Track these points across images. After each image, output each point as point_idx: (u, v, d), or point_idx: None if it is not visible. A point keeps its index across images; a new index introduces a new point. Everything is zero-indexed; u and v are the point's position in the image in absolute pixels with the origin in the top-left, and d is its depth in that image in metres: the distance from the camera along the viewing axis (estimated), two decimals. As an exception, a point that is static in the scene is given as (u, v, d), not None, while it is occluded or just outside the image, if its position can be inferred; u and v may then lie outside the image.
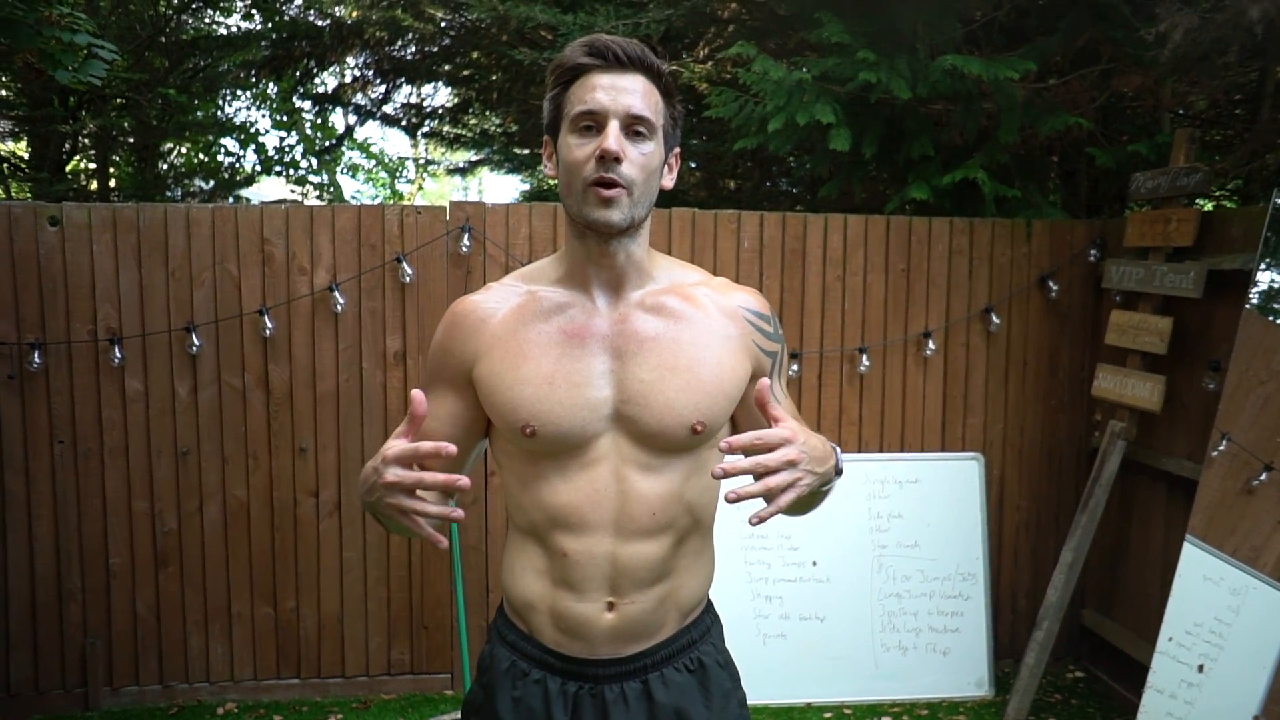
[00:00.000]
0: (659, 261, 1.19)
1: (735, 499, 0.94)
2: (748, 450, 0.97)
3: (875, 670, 2.99)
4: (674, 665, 1.18)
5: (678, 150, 1.17)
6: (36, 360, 2.71)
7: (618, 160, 1.05)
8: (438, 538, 0.99)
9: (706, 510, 1.20)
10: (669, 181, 1.16)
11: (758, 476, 0.97)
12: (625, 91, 1.07)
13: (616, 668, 1.16)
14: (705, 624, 1.24)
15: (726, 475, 0.95)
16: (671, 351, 1.13)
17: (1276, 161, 3.27)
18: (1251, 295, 2.41)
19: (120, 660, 2.89)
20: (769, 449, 0.97)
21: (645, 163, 1.08)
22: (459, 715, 2.73)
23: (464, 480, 0.96)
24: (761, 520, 0.95)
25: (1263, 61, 3.22)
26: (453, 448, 0.95)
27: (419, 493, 1.01)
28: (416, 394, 0.99)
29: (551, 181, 1.18)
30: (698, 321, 1.15)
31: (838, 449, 1.14)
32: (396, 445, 0.99)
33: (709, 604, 1.27)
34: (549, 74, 1.13)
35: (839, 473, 1.12)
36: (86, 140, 5.43)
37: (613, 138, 1.05)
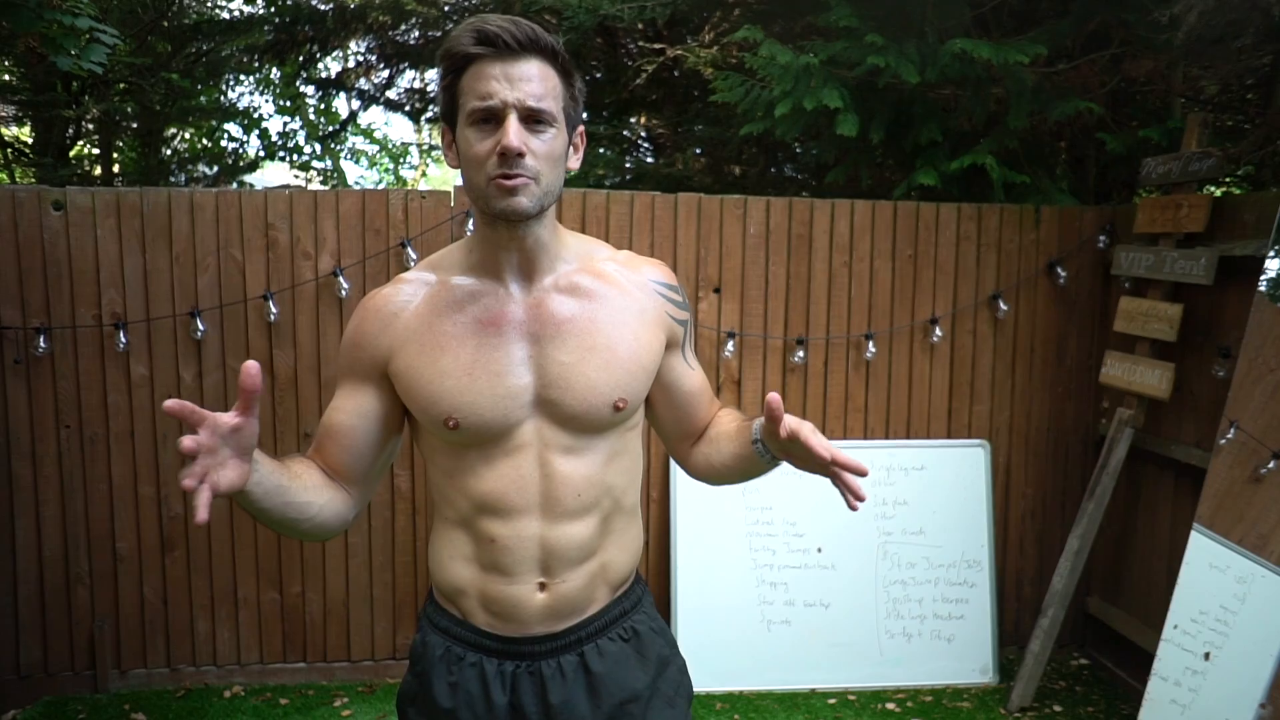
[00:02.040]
0: (567, 241, 1.18)
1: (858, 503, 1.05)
2: (837, 460, 1.04)
3: (880, 657, 3.00)
4: (608, 636, 1.19)
5: (581, 129, 1.15)
6: (42, 345, 2.71)
7: (520, 155, 1.02)
8: (200, 512, 0.89)
9: (627, 492, 1.21)
10: (575, 163, 1.14)
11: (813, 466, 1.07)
12: (521, 80, 1.03)
13: (551, 643, 1.16)
14: (636, 594, 1.25)
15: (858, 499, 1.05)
16: (589, 331, 1.12)
17: (1289, 147, 3.23)
18: (1262, 282, 2.39)
19: (128, 643, 2.90)
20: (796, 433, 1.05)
21: (548, 151, 1.05)
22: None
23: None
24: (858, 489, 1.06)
25: (1277, 45, 3.18)
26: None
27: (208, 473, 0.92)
28: (249, 364, 0.92)
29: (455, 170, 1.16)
30: (612, 299, 1.15)
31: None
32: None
33: (638, 576, 1.29)
34: (438, 60, 1.09)
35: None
36: (90, 125, 5.41)
37: (513, 133, 1.02)
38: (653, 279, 1.19)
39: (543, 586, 1.14)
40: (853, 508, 1.04)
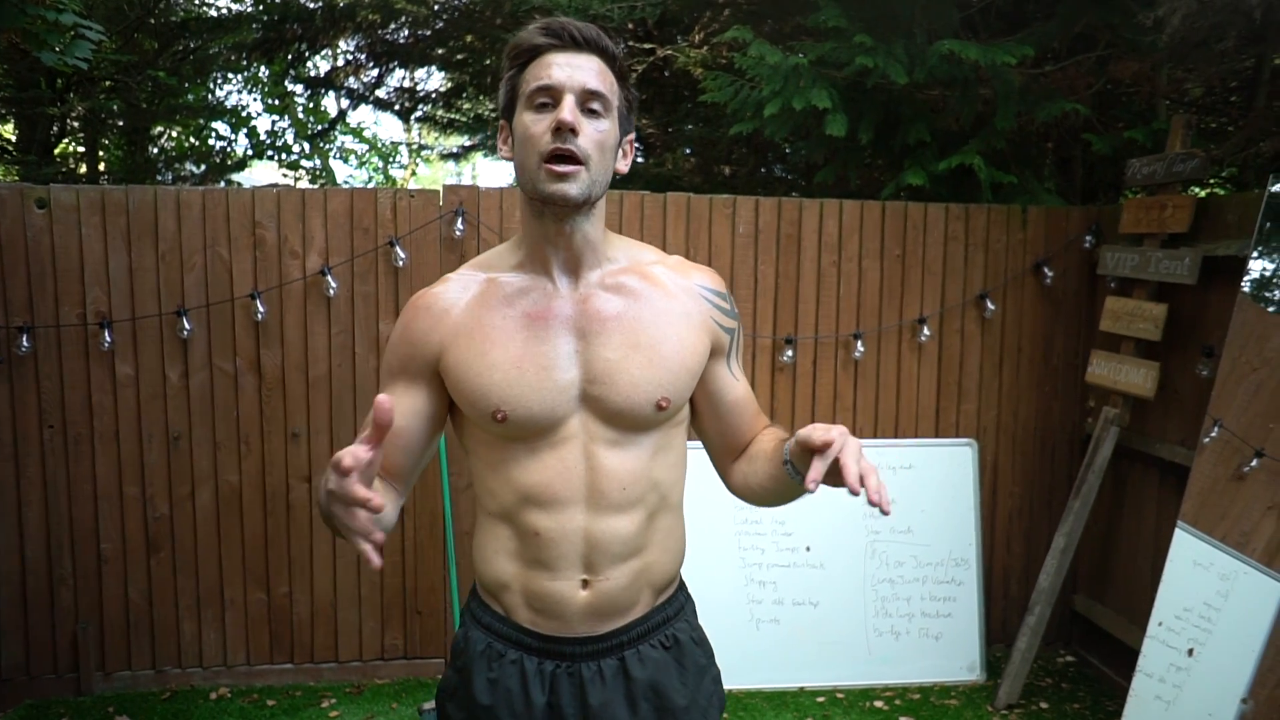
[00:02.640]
0: (615, 242, 1.20)
1: (873, 497, 0.94)
2: (821, 451, 0.98)
3: (868, 655, 3.01)
4: (650, 642, 1.19)
5: (632, 136, 1.17)
6: (25, 344, 2.69)
7: (574, 132, 1.05)
8: (370, 556, 0.90)
9: (674, 489, 1.21)
10: (624, 166, 1.16)
11: (837, 480, 0.99)
12: (581, 69, 1.07)
13: (592, 645, 1.16)
14: (679, 601, 1.25)
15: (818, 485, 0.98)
16: (634, 329, 1.13)
17: (1271, 149, 3.26)
18: (1245, 282, 2.41)
19: (112, 645, 2.88)
20: (828, 445, 0.98)
21: (601, 139, 1.08)
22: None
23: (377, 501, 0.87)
24: (886, 506, 0.95)
25: (1260, 48, 3.21)
26: (377, 501, 0.87)
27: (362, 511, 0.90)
28: (382, 399, 0.88)
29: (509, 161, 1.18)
30: (657, 300, 1.16)
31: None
32: (352, 453, 0.89)
33: (681, 583, 1.29)
34: (505, 56, 1.13)
35: None
36: (75, 123, 5.37)
37: (568, 110, 1.05)
38: (700, 284, 1.20)
39: (586, 584, 1.14)
40: (885, 512, 0.96)
